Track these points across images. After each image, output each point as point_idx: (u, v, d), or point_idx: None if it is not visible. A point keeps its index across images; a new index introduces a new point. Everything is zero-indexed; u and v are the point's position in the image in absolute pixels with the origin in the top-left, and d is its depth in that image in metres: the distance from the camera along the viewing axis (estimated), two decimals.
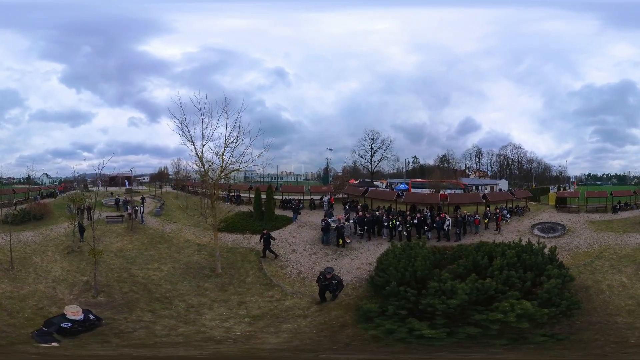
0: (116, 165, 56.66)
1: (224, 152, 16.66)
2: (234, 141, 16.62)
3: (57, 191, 38.66)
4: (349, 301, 12.89)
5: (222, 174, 17.08)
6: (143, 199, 29.05)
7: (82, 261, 17.86)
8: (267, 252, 17.28)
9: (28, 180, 46.23)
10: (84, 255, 18.12)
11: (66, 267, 17.39)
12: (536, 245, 14.16)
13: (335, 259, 16.77)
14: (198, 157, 16.60)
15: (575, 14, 60.62)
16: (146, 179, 53.13)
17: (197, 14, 63.10)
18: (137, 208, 25.00)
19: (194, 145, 16.52)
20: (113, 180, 47.72)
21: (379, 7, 65.52)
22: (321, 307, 12.76)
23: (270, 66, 79.68)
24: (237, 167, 17.15)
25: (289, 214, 23.88)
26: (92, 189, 43.93)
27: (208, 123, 16.46)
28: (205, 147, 16.74)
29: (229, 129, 16.61)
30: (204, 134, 16.48)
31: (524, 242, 14.22)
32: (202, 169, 17.06)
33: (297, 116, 57.09)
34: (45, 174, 54.35)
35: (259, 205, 22.87)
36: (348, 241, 18.20)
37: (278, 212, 24.48)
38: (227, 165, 16.92)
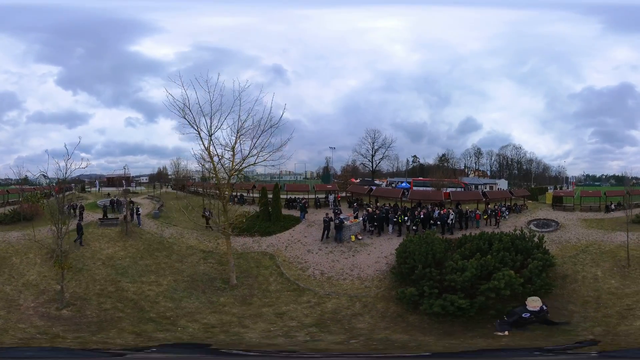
0: (114, 166, 57.27)
1: (235, 144, 15.20)
2: (247, 132, 15.07)
3: (53, 192, 38.97)
4: (383, 293, 13.76)
5: (234, 171, 15.76)
6: (132, 202, 27.13)
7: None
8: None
9: (25, 181, 46.49)
10: (69, 261, 16.36)
11: (44, 272, 16.09)
12: (528, 234, 16.67)
13: (353, 255, 17.36)
14: (205, 149, 15.10)
15: (580, 17, 62.27)
16: (145, 179, 53.57)
17: (180, 13, 63.89)
18: (137, 209, 23.96)
19: (199, 134, 14.90)
20: (111, 181, 48.06)
21: (386, 4, 66.32)
22: (364, 304, 13.39)
23: (268, 63, 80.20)
24: (253, 162, 15.70)
25: (294, 213, 24.63)
26: (89, 189, 44.40)
27: (217, 110, 14.86)
28: (214, 140, 15.09)
29: (242, 117, 15.00)
30: (212, 124, 14.78)
31: (517, 232, 16.72)
32: (211, 165, 15.39)
33: (295, 115, 57.87)
34: (43, 175, 54.76)
35: (266, 204, 23.55)
36: (360, 237, 19.23)
37: (284, 211, 24.68)
38: (242, 160, 15.47)
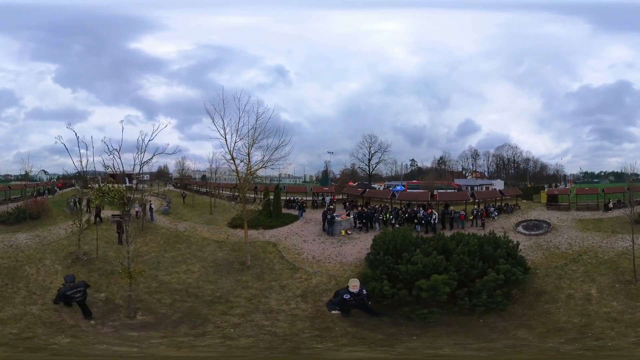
0: (114, 163, 60.24)
1: (249, 150, 18.30)
2: (259, 139, 18.21)
3: (55, 187, 42.02)
4: (354, 276, 16.12)
5: (250, 172, 18.60)
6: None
7: (92, 272, 16.20)
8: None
9: (26, 176, 48.89)
10: (95, 265, 16.72)
11: None
12: (502, 238, 16.07)
13: (340, 246, 20.57)
14: (229, 152, 18.14)
15: (566, 17, 65.61)
16: (146, 177, 56.65)
17: (187, 10, 66.95)
18: (150, 205, 25.69)
19: (225, 140, 17.94)
20: (114, 178, 50.94)
21: (388, 7, 69.27)
22: (337, 282, 15.91)
23: (271, 64, 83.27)
24: (264, 166, 18.74)
25: (293, 212, 28.12)
26: (92, 185, 47.26)
27: (240, 117, 17.96)
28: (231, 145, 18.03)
29: (257, 129, 18.20)
30: (237, 129, 17.85)
31: (490, 236, 16.12)
32: (234, 166, 18.35)
33: (296, 117, 60.58)
34: (43, 171, 57.78)
35: (268, 203, 27.10)
36: (349, 232, 22.71)
37: (283, 211, 27.89)
38: (258, 162, 18.53)
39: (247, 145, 18.21)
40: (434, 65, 79.87)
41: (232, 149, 17.98)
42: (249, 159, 18.21)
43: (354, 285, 12.32)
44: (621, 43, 71.82)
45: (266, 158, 18.49)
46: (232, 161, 18.13)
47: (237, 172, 18.50)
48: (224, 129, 17.85)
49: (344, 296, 12.13)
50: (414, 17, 74.93)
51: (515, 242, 16.40)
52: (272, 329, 12.16)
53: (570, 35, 70.67)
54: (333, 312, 12.18)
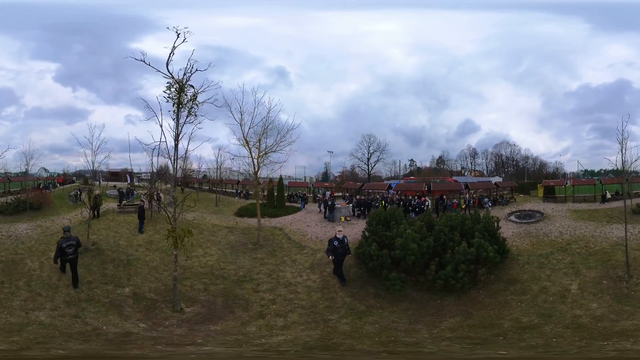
0: (114, 163, 62.81)
1: (260, 137, 20.58)
2: (268, 129, 20.61)
3: (56, 183, 44.35)
4: (353, 250, 18.51)
5: (262, 156, 20.75)
6: (127, 192, 31.75)
7: (106, 264, 15.54)
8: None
9: (25, 174, 50.84)
10: (106, 255, 16.47)
11: (85, 276, 13.61)
12: (483, 215, 16.89)
13: (340, 230, 22.71)
14: (244, 137, 20.18)
15: (564, 17, 68.42)
16: (146, 175, 59.07)
17: (188, 11, 69.41)
18: (159, 196, 26.03)
19: (241, 127, 20.05)
20: (115, 175, 53.69)
21: (383, 7, 71.78)
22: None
23: (272, 65, 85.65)
24: (274, 150, 20.90)
25: (296, 205, 30.94)
26: (93, 183, 49.28)
27: (255, 107, 20.31)
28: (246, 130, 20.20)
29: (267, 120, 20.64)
30: (252, 117, 20.22)
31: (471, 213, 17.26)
32: (248, 152, 20.39)
33: (296, 119, 63.01)
34: (44, 168, 60.03)
35: (272, 195, 29.75)
36: (348, 219, 25.50)
37: (286, 204, 30.60)
38: (270, 146, 20.85)
39: (257, 133, 20.91)
40: (433, 66, 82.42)
41: (246, 134, 20.50)
42: (259, 143, 20.89)
43: (339, 230, 15.31)
44: (620, 42, 74.65)
45: (278, 138, 21.24)
46: (246, 146, 20.72)
47: (250, 154, 20.87)
48: (241, 115, 20.36)
49: (334, 243, 14.74)
50: (410, 17, 77.52)
51: (495, 218, 16.92)
52: (299, 302, 13.83)
53: (569, 35, 73.51)
54: (330, 257, 15.13)
